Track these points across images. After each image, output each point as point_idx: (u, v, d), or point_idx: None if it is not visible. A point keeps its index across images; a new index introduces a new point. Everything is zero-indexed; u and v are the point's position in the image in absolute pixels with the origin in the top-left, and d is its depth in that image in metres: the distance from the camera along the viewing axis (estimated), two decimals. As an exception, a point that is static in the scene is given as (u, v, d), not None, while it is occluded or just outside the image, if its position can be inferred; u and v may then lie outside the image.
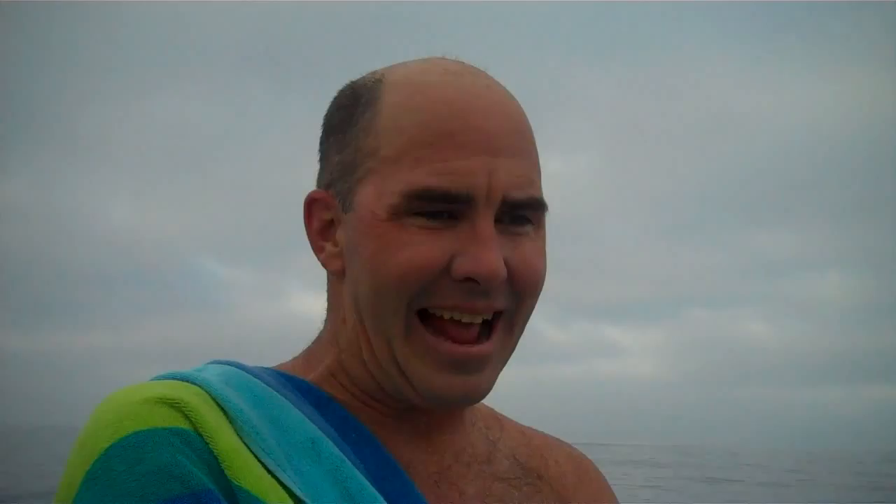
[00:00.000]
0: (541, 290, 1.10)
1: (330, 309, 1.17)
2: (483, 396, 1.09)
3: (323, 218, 1.13)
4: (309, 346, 1.19)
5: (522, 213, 1.06)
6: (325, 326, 1.18)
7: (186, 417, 0.95)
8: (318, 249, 1.14)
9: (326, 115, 1.16)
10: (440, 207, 1.02)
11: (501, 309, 1.07)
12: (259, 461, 0.97)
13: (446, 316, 1.05)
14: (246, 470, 0.96)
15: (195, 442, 0.94)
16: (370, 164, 1.06)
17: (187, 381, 1.02)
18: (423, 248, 1.02)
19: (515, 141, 1.06)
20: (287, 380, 1.11)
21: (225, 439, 0.96)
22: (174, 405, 0.95)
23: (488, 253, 1.02)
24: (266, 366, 1.16)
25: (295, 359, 1.19)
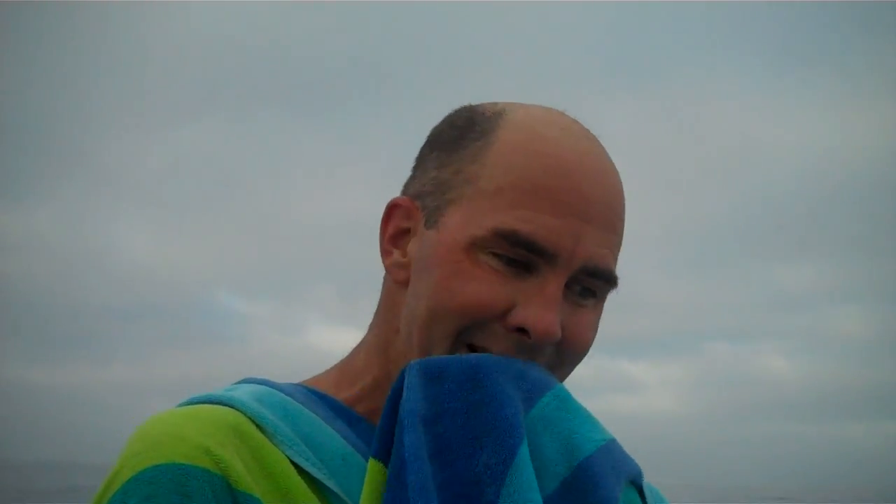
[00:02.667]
0: (583, 358, 1.10)
1: (380, 318, 1.15)
2: None
3: (400, 225, 1.12)
4: (344, 359, 1.18)
5: (593, 284, 1.06)
6: (368, 334, 1.16)
7: (210, 456, 0.95)
8: (385, 254, 1.13)
9: (436, 128, 1.15)
10: (520, 255, 1.02)
11: (543, 366, 1.05)
12: (300, 471, 1.00)
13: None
14: (290, 482, 0.98)
15: (216, 482, 0.94)
16: (466, 190, 1.06)
17: (220, 402, 1.03)
18: (490, 286, 1.02)
19: (609, 215, 1.06)
20: (319, 398, 1.10)
21: (255, 473, 0.97)
22: (199, 444, 0.95)
23: (549, 312, 1.02)
24: (296, 382, 1.15)
25: (327, 372, 1.17)
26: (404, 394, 0.97)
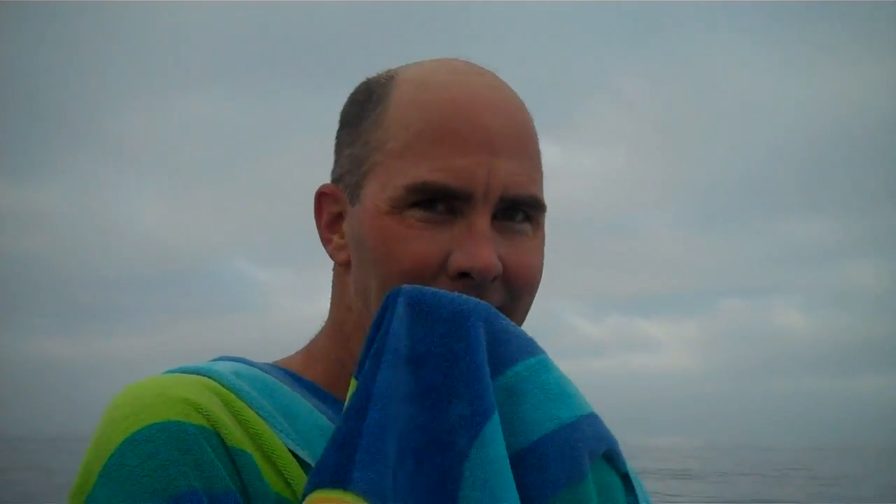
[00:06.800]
0: (536, 287, 1.11)
1: (334, 301, 1.18)
2: None
3: (332, 211, 1.15)
4: (311, 340, 1.20)
5: (520, 210, 1.08)
6: (328, 318, 1.19)
7: (202, 413, 0.96)
8: (326, 241, 1.16)
9: (342, 109, 1.18)
10: (438, 199, 1.04)
11: (496, 305, 1.04)
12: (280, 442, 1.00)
13: None
14: (276, 450, 0.98)
15: (212, 438, 0.95)
16: (377, 157, 1.08)
17: (199, 373, 1.03)
18: (422, 242, 1.04)
19: (517, 141, 1.08)
20: (293, 378, 1.12)
21: (240, 432, 0.98)
22: (189, 402, 0.96)
23: (482, 248, 1.03)
24: (268, 362, 1.17)
25: (295, 354, 1.19)
26: (389, 324, 0.96)
